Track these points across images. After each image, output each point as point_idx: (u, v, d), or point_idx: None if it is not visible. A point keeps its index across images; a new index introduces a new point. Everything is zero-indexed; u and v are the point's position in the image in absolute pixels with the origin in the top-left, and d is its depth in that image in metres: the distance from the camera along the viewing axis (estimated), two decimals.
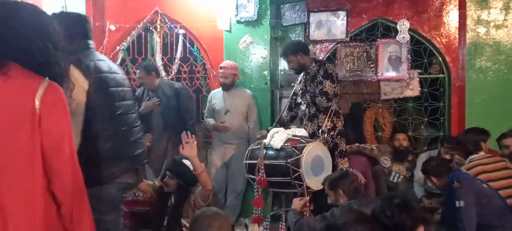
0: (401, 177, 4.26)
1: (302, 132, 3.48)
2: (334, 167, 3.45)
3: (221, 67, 4.20)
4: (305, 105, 3.69)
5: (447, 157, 3.97)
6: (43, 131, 1.36)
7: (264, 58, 4.49)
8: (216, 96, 4.34)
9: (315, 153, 3.21)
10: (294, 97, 3.88)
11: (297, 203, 2.99)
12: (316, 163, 3.18)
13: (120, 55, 4.96)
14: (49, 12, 5.04)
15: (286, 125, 3.86)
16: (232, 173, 4.21)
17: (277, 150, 3.27)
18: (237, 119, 4.19)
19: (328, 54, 4.77)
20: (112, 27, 4.81)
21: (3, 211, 1.31)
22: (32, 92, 1.36)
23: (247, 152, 3.54)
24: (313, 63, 3.72)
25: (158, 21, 4.77)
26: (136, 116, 2.43)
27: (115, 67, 2.37)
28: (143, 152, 2.46)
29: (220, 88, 4.31)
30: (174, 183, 3.12)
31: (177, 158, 3.21)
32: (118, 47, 4.88)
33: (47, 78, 1.42)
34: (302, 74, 3.81)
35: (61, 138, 1.41)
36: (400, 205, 2.01)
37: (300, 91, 3.72)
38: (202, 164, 2.98)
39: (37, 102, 1.35)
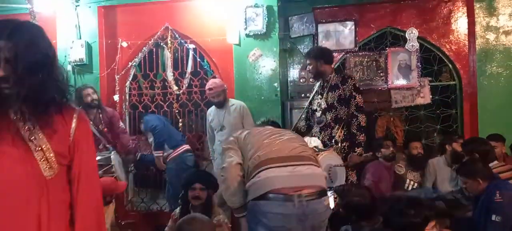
0: (416, 184, 4.23)
1: (316, 141, 3.47)
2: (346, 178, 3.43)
3: (210, 89, 4.22)
4: (321, 113, 3.69)
5: (460, 149, 3.93)
6: None
7: (273, 70, 4.52)
8: (212, 113, 4.39)
9: (327, 162, 3.19)
10: (310, 106, 3.88)
11: None
12: (328, 173, 3.17)
13: (132, 71, 5.05)
14: (63, 31, 5.13)
15: (302, 135, 3.86)
16: None
17: None
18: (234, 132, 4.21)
19: (338, 64, 4.80)
20: (124, 44, 4.90)
21: None
22: None
23: None
24: (334, 73, 3.72)
25: (169, 37, 4.84)
26: None
27: None
28: None
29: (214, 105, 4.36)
30: (205, 194, 3.08)
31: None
32: (130, 63, 4.97)
33: None
34: (319, 82, 3.82)
35: None
36: (408, 202, 2.04)
37: (319, 98, 3.72)
38: None
39: None
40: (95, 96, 4.27)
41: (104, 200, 3.39)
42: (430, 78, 4.68)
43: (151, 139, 4.48)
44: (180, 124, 4.93)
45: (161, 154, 4.33)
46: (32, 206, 1.30)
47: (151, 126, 4.38)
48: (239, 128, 4.18)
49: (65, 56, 4.76)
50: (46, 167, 1.33)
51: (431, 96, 4.64)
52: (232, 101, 4.34)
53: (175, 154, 4.39)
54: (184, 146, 4.45)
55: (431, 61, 4.69)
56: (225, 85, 4.34)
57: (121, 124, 4.49)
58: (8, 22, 1.31)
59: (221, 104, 4.25)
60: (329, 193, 2.73)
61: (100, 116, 4.32)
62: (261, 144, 2.25)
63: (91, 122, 4.25)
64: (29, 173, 1.30)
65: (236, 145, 2.38)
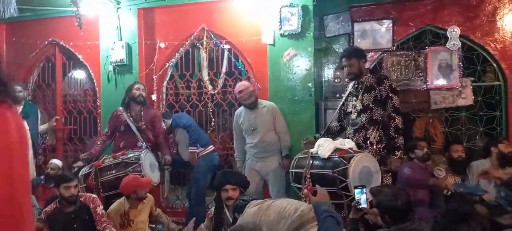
0: None
1: (350, 143, 3.42)
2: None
3: (240, 92, 4.19)
4: (356, 115, 3.64)
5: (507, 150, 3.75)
6: None
7: (308, 70, 4.49)
8: (242, 115, 4.35)
9: (363, 164, 3.14)
10: (343, 107, 3.83)
11: None
12: (364, 175, 3.11)
13: (169, 71, 5.18)
14: (105, 33, 5.33)
15: (334, 136, 3.82)
16: (272, 187, 4.22)
17: (324, 159, 3.23)
18: (266, 134, 4.19)
19: (374, 64, 4.69)
20: (162, 45, 5.03)
21: None
22: None
23: (293, 160, 3.54)
24: (368, 74, 3.67)
25: (205, 37, 4.93)
26: None
27: None
28: None
29: (243, 107, 4.35)
30: (237, 193, 3.07)
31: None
32: (167, 64, 5.11)
33: None
34: (352, 83, 3.77)
35: None
36: (462, 216, 1.95)
37: (354, 100, 3.67)
38: None
39: None
40: (143, 93, 4.48)
41: (136, 196, 3.59)
42: (472, 79, 4.48)
43: (178, 138, 4.57)
44: (213, 123, 5.01)
45: (196, 150, 4.40)
46: None
47: (185, 123, 4.45)
48: (272, 130, 4.20)
49: (107, 57, 4.96)
50: None
51: (473, 97, 4.44)
52: (262, 102, 4.31)
53: (205, 152, 4.46)
54: (211, 146, 4.56)
55: (474, 60, 4.49)
56: (252, 86, 4.33)
57: (163, 124, 4.59)
58: None
59: (253, 105, 4.23)
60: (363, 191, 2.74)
61: (142, 113, 4.47)
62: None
63: (132, 118, 4.43)
64: None
65: None
